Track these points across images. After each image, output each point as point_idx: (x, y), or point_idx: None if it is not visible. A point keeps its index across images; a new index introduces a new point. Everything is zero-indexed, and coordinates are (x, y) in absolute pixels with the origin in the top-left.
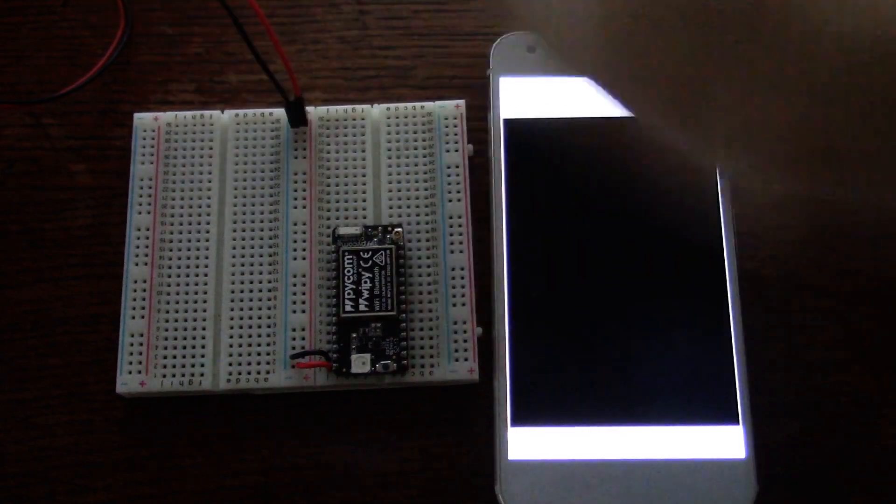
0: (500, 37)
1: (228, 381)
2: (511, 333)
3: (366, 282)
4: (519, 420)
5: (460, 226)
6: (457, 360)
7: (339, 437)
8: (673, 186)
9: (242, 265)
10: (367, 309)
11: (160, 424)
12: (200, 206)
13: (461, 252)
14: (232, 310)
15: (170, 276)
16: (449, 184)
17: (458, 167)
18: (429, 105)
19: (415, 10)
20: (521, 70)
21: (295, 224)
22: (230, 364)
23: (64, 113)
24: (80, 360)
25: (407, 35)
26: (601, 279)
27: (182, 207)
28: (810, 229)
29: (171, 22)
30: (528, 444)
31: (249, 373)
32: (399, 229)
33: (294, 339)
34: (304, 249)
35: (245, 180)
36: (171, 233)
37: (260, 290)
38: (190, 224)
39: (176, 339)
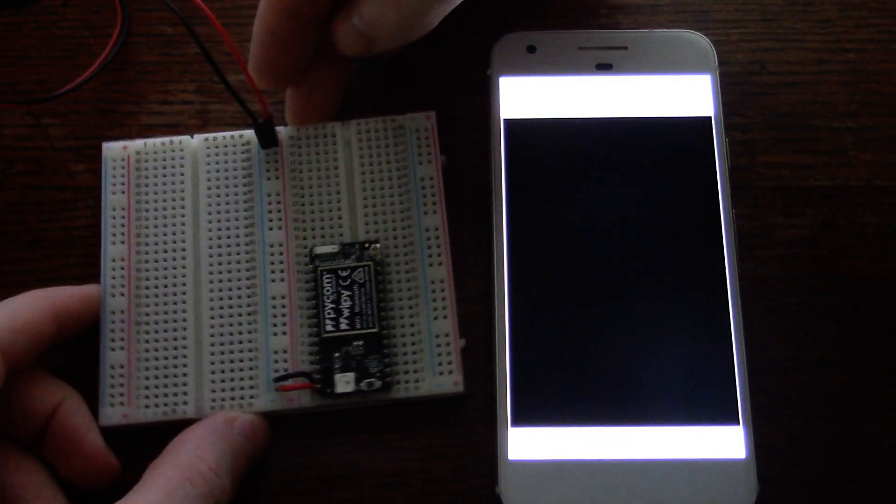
0: (501, 37)
1: (212, 406)
2: (511, 333)
3: (345, 300)
4: (519, 420)
5: (437, 238)
6: (441, 374)
7: (339, 438)
8: (673, 187)
9: (220, 290)
10: (348, 327)
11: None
12: (175, 233)
13: (440, 264)
14: (212, 335)
15: (147, 306)
16: (424, 196)
17: (432, 179)
18: (399, 118)
19: None
20: (521, 70)
21: (271, 246)
22: (213, 391)
23: (64, 113)
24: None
25: None
26: (601, 279)
27: (157, 235)
28: (810, 229)
29: (171, 22)
30: (528, 444)
31: (233, 398)
32: (377, 245)
33: (276, 361)
34: (281, 271)
35: (219, 204)
36: (147, 261)
37: (240, 315)
38: (165, 252)
39: (157, 367)
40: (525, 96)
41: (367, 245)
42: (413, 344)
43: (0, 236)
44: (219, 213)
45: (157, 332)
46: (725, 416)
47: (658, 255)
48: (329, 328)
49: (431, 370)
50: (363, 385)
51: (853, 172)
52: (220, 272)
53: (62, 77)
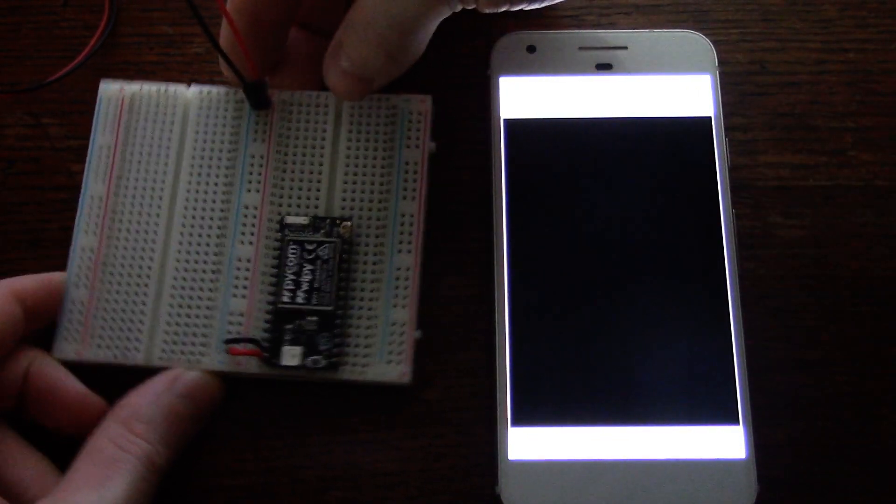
0: (501, 37)
1: (161, 357)
2: (511, 333)
3: (307, 273)
4: (519, 420)
5: (411, 225)
6: (389, 362)
7: (340, 437)
8: (673, 187)
9: (189, 244)
10: (304, 301)
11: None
12: (155, 181)
13: (409, 252)
14: (174, 287)
15: (117, 248)
16: (405, 181)
17: (416, 164)
18: (394, 98)
19: None
20: (521, 70)
21: (246, 208)
22: (165, 342)
23: (64, 113)
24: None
25: None
26: (601, 279)
27: (137, 180)
28: (810, 229)
29: (170, 22)
30: (528, 444)
31: (183, 352)
32: (348, 223)
33: (231, 323)
34: (252, 234)
35: (202, 158)
36: (124, 204)
37: (203, 271)
38: (143, 197)
39: (115, 310)
40: (525, 96)
41: (338, 221)
42: (367, 328)
43: (0, 236)
44: (200, 166)
45: (121, 275)
46: (725, 416)
47: (658, 254)
48: (285, 299)
49: (381, 357)
50: (309, 361)
51: (853, 172)
52: (193, 226)
53: (62, 77)
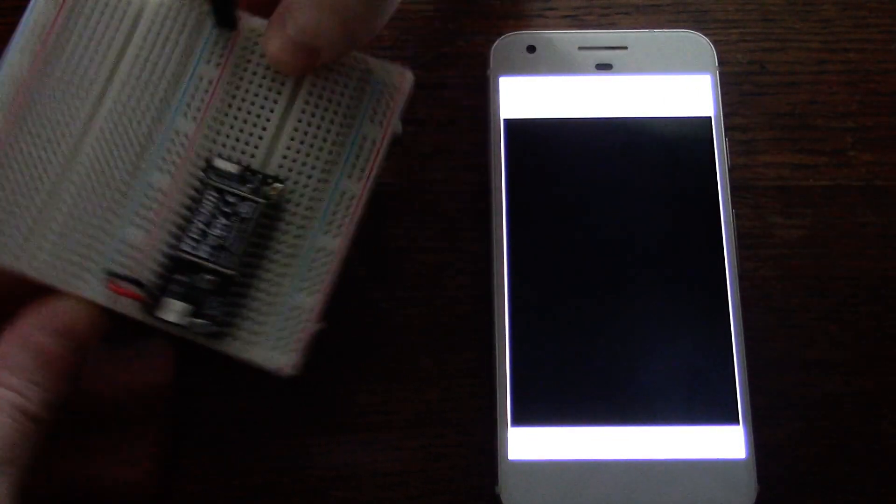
0: (500, 37)
1: (34, 266)
2: (511, 333)
3: (218, 227)
4: (519, 420)
5: (348, 208)
6: (277, 349)
7: (340, 437)
8: (673, 187)
9: (103, 152)
10: (206, 257)
11: None
12: (86, 75)
13: (336, 237)
14: (71, 195)
15: (23, 133)
16: (356, 157)
17: (374, 143)
18: (372, 62)
19: (416, 10)
20: (521, 70)
21: (176, 133)
22: (45, 251)
23: None
24: None
25: (407, 34)
26: (601, 279)
27: (67, 68)
28: (810, 229)
29: None
30: (528, 444)
31: (60, 269)
32: (280, 185)
33: (122, 254)
34: (173, 165)
35: (145, 63)
36: (44, 90)
37: (109, 188)
38: (67, 89)
39: (3, 201)
40: (525, 96)
41: (270, 180)
42: (266, 305)
43: None
44: (140, 72)
45: (21, 165)
46: (725, 416)
47: (658, 254)
48: (187, 248)
49: (269, 340)
50: (192, 322)
51: (853, 172)
52: (113, 134)
53: None
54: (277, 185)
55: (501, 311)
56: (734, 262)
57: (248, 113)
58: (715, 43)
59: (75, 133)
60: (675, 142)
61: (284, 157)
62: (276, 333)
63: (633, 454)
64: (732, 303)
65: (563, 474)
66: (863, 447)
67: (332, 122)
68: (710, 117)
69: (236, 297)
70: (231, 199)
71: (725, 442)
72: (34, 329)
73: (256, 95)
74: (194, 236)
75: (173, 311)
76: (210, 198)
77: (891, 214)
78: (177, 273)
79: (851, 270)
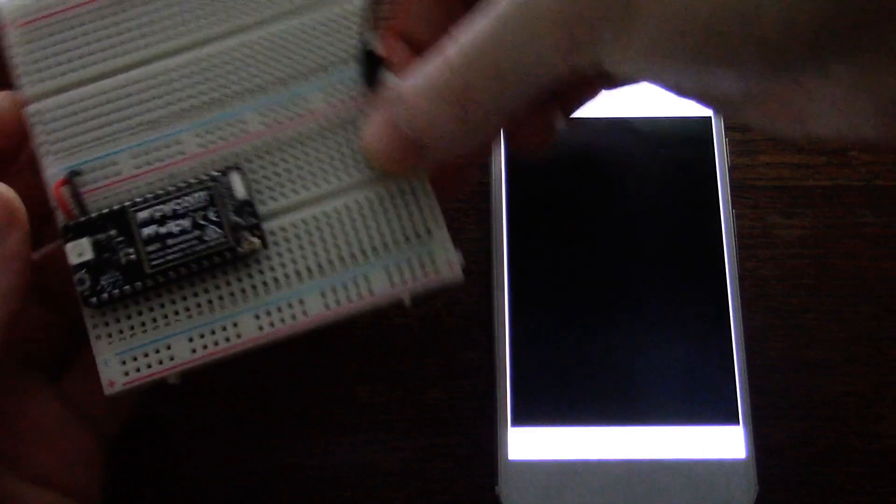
0: None
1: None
2: (511, 334)
3: (177, 227)
4: (519, 420)
5: (290, 319)
6: (125, 363)
7: (340, 437)
8: (673, 187)
9: (201, 70)
10: (147, 238)
11: None
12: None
13: (261, 329)
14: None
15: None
16: (346, 289)
17: (371, 293)
18: (440, 230)
19: None
20: None
21: (236, 121)
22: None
23: None
24: None
25: None
26: (601, 279)
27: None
28: (810, 229)
29: None
30: (528, 444)
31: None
32: (257, 243)
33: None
34: (210, 140)
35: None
36: None
37: (156, 119)
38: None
39: None
40: None
41: (256, 233)
42: (136, 317)
43: None
44: (271, 43)
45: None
46: (725, 416)
47: (658, 254)
48: (142, 216)
49: (110, 358)
50: (81, 279)
51: (853, 172)
52: (220, 65)
53: None
54: (255, 241)
55: (501, 310)
56: (734, 262)
57: (305, 163)
58: None
59: (181, 41)
60: (676, 141)
61: (292, 228)
62: (118, 352)
63: (633, 454)
64: (732, 303)
65: (563, 474)
66: (863, 447)
67: (359, 241)
68: (710, 117)
69: (132, 292)
70: (210, 217)
71: (725, 442)
72: None
73: (328, 157)
74: (155, 214)
75: (75, 252)
76: (198, 199)
77: (891, 214)
78: (114, 226)
79: (851, 270)
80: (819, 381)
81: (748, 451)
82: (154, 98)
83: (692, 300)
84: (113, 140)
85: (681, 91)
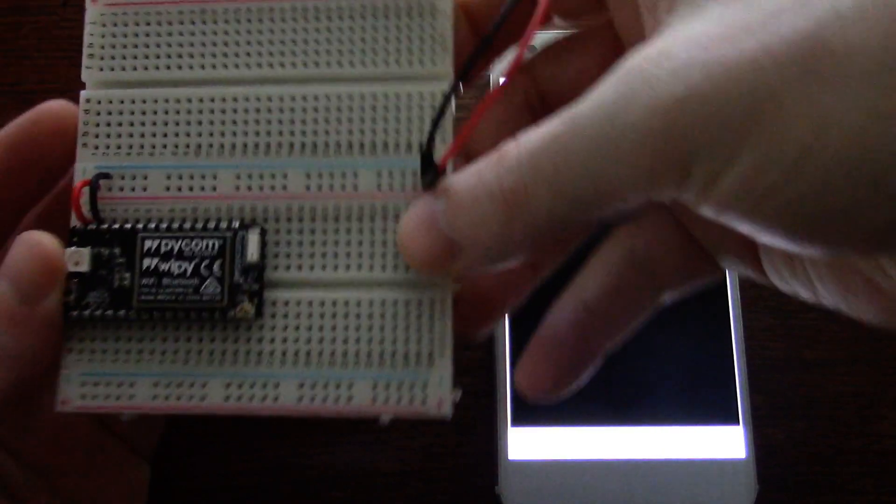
0: None
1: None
2: (511, 334)
3: (176, 266)
4: (519, 420)
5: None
6: (84, 385)
7: (340, 437)
8: None
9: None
10: (146, 269)
11: None
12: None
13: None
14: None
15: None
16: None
17: (344, 401)
18: (444, 369)
19: None
20: None
21: (279, 175)
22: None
23: None
24: None
25: None
26: None
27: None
28: None
29: None
30: (528, 444)
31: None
32: (250, 311)
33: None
34: (238, 185)
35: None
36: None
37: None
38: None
39: None
40: None
41: (254, 300)
42: (96, 344)
43: None
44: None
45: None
46: (725, 416)
47: None
48: (149, 246)
49: (93, 374)
50: (70, 289)
51: None
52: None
53: (62, 77)
54: (250, 308)
55: None
56: None
57: (333, 242)
58: None
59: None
60: None
61: (295, 306)
62: (90, 374)
63: (634, 454)
64: (732, 303)
65: (564, 474)
66: (863, 447)
67: (357, 343)
68: None
69: (114, 318)
70: (214, 269)
71: (725, 442)
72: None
73: (358, 242)
74: (162, 246)
75: (73, 259)
76: (208, 246)
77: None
78: (119, 242)
79: None
80: (819, 381)
81: (748, 451)
82: (208, 123)
83: (692, 300)
84: (152, 154)
85: (751, 236)
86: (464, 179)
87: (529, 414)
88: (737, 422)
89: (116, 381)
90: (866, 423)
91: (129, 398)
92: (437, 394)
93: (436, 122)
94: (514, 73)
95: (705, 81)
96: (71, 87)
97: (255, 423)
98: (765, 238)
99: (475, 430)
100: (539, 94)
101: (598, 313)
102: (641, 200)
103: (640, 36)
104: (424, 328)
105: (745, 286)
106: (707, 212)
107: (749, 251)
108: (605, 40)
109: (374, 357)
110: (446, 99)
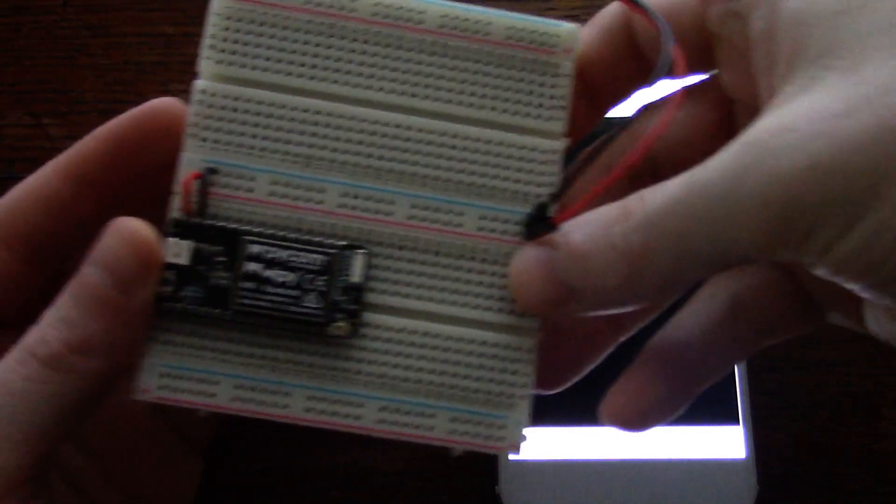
0: None
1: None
2: None
3: (281, 273)
4: None
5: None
6: (165, 376)
7: (340, 437)
8: None
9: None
10: (252, 272)
11: None
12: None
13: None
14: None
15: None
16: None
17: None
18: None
19: None
20: None
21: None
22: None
23: (64, 113)
24: None
25: None
26: None
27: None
28: None
29: (171, 22)
30: (527, 444)
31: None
32: (344, 328)
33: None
34: (344, 205)
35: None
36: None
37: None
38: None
39: None
40: None
41: (353, 319)
42: (193, 352)
43: None
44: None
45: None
46: (725, 416)
47: None
48: (253, 251)
49: (176, 367)
50: (167, 280)
51: None
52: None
53: (62, 77)
54: (344, 325)
55: None
56: None
57: (431, 274)
58: None
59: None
60: None
61: (389, 331)
62: (174, 367)
63: (634, 454)
64: None
65: (564, 474)
66: (863, 447)
67: (442, 375)
68: None
69: (206, 316)
70: (317, 284)
71: (725, 442)
72: (88, 262)
73: (454, 279)
74: (266, 254)
75: (173, 251)
76: (313, 261)
77: None
78: (222, 241)
79: None
80: (819, 381)
81: (748, 451)
82: (322, 137)
83: None
84: (262, 156)
85: (860, 293)
86: (587, 232)
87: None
88: (737, 422)
89: (199, 377)
90: (866, 423)
91: (210, 396)
92: (514, 435)
93: (563, 187)
94: (639, 158)
95: (827, 155)
96: (70, 88)
97: (256, 424)
98: (873, 296)
99: None
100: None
101: (694, 355)
102: (760, 258)
103: (750, 94)
104: (509, 371)
105: None
106: (822, 273)
107: (853, 304)
108: (712, 98)
109: (458, 391)
110: (570, 170)
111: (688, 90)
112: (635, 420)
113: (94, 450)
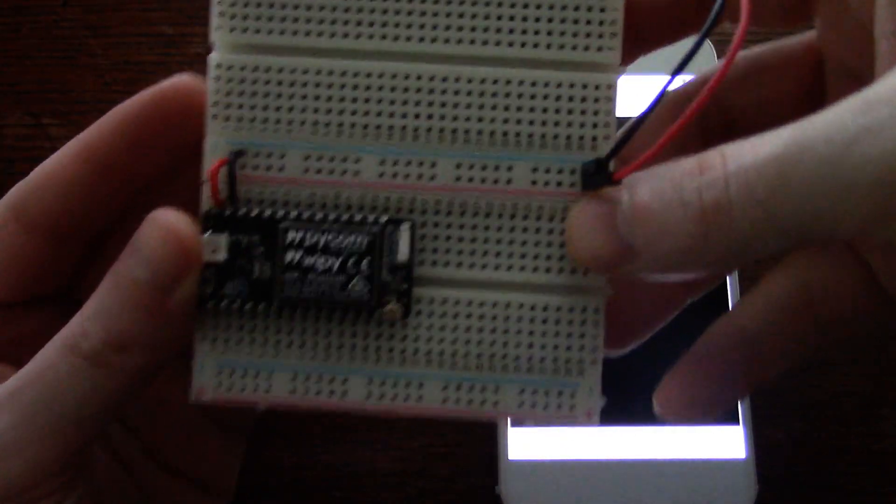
0: None
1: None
2: None
3: (322, 257)
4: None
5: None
6: (220, 374)
7: (339, 437)
8: None
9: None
10: (290, 261)
11: None
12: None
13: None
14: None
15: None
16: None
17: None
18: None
19: None
20: None
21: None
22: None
23: (64, 113)
24: None
25: None
26: None
27: None
28: None
29: (171, 22)
30: (528, 444)
31: None
32: (396, 311)
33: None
34: (392, 173)
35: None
36: None
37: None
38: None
39: None
40: None
41: (403, 300)
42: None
43: None
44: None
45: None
46: (725, 415)
47: None
48: (292, 238)
49: (229, 364)
50: (207, 279)
51: None
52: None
53: (62, 77)
54: (398, 308)
55: None
56: None
57: (483, 239)
58: (715, 43)
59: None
60: None
61: (443, 305)
62: (227, 363)
63: (633, 454)
64: (732, 302)
65: (563, 474)
66: (863, 447)
67: (505, 346)
68: None
69: (252, 310)
70: (362, 267)
71: (725, 442)
72: (125, 255)
73: (509, 241)
74: (306, 239)
75: (210, 247)
76: (355, 242)
77: None
78: (258, 230)
79: None
80: (819, 381)
81: (748, 451)
82: (351, 101)
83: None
84: (290, 130)
85: None
86: (654, 186)
87: None
88: (737, 422)
89: (253, 372)
90: (866, 423)
91: (266, 390)
92: (587, 403)
93: (625, 139)
94: (708, 97)
95: None
96: (70, 88)
97: (256, 424)
98: None
99: (475, 430)
100: (720, 113)
101: (755, 345)
102: (846, 237)
103: (853, 56)
104: (576, 335)
105: (745, 286)
106: None
107: None
108: (801, 58)
109: (523, 362)
110: (638, 119)
111: (758, 36)
112: (686, 412)
113: (137, 427)
